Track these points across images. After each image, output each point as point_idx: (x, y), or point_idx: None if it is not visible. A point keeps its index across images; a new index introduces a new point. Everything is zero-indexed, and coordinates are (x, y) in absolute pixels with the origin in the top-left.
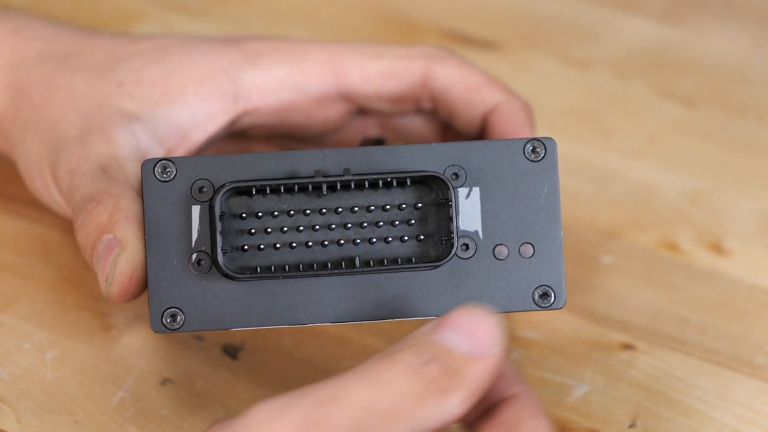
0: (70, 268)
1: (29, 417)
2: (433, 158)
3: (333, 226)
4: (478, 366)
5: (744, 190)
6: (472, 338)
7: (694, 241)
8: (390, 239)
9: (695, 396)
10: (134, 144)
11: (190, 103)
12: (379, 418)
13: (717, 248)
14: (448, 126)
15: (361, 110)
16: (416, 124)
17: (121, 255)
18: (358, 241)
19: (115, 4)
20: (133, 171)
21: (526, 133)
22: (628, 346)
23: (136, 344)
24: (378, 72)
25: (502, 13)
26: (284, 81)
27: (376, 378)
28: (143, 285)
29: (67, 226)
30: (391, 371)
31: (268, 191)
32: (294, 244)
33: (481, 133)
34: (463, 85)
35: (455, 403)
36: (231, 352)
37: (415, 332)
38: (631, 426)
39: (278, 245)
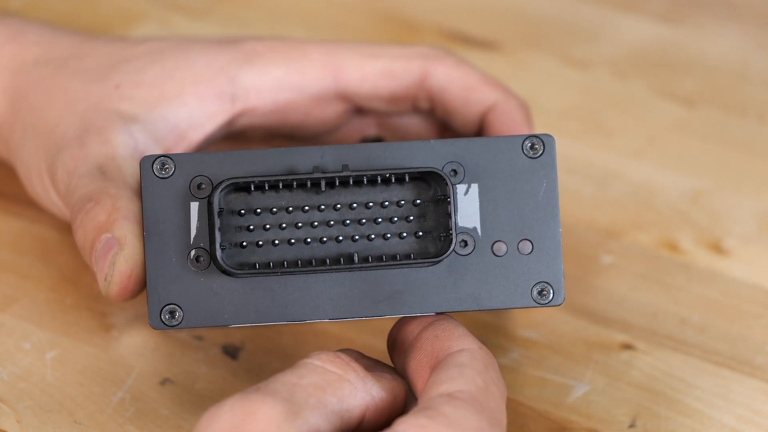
0: (70, 268)
1: (29, 417)
2: (431, 155)
3: (331, 222)
4: (384, 374)
5: (744, 190)
6: None
7: (694, 241)
8: (388, 236)
9: (695, 396)
10: (131, 144)
11: (188, 103)
12: (309, 390)
13: (717, 248)
14: (446, 125)
15: (359, 110)
16: (414, 123)
17: (119, 254)
18: (357, 237)
19: (115, 5)
20: (131, 171)
21: (524, 132)
22: (628, 346)
23: (136, 344)
24: (376, 72)
25: (502, 13)
26: (282, 81)
27: (293, 368)
28: (142, 284)
29: (66, 226)
30: (305, 361)
31: (267, 188)
32: (292, 241)
33: (479, 132)
34: (461, 84)
35: (372, 386)
36: (231, 352)
37: None
38: (631, 426)
39: (277, 242)
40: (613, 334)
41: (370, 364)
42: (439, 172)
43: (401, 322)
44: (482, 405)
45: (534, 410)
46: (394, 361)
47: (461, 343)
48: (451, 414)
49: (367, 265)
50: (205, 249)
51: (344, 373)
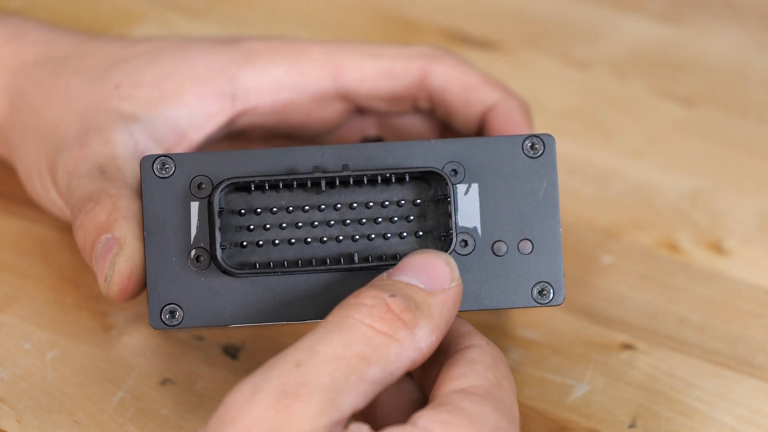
0: (70, 268)
1: (29, 417)
2: (431, 154)
3: (332, 222)
4: (439, 298)
5: (744, 190)
6: (429, 276)
7: (694, 241)
8: (389, 235)
9: (695, 396)
10: (132, 144)
11: (188, 103)
12: (352, 364)
13: (717, 248)
14: (446, 125)
15: (360, 110)
16: (414, 123)
17: (119, 254)
18: (357, 237)
19: (115, 5)
20: (131, 171)
21: (525, 132)
22: (628, 346)
23: (136, 344)
24: (376, 72)
25: (502, 13)
26: (282, 81)
27: (339, 329)
28: (142, 284)
29: (66, 226)
30: (352, 319)
31: (267, 187)
32: (293, 241)
33: (479, 132)
34: (461, 84)
35: (422, 336)
36: (231, 352)
37: (371, 282)
38: (631, 426)
39: (277, 241)
40: (613, 334)
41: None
42: (440, 172)
43: None
44: (497, 400)
45: (534, 410)
46: None
47: (469, 339)
48: (470, 409)
49: (368, 264)
50: (205, 249)
51: (394, 332)
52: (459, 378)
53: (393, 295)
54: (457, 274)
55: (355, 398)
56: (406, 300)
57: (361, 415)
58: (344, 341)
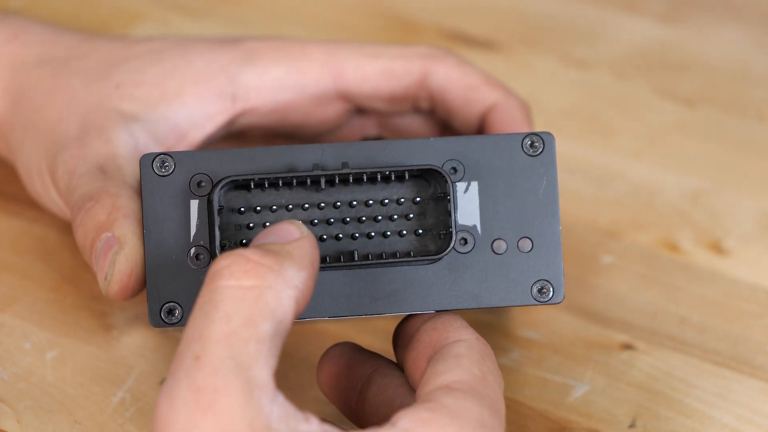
0: (70, 268)
1: (29, 417)
2: (431, 153)
3: (331, 220)
4: (294, 244)
5: (744, 190)
6: (278, 235)
7: (694, 241)
8: (388, 233)
9: (695, 396)
10: (132, 144)
11: (189, 103)
12: (243, 334)
13: (717, 248)
14: (446, 125)
15: (360, 110)
16: (415, 123)
17: (119, 253)
18: (357, 235)
19: (115, 5)
20: (131, 170)
21: (525, 131)
22: (628, 346)
23: (136, 344)
24: (376, 72)
25: (502, 13)
26: (282, 80)
27: (214, 305)
28: (142, 282)
29: (66, 226)
30: (219, 287)
31: (267, 185)
32: None
33: (480, 132)
34: (461, 84)
35: (292, 275)
36: None
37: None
38: (631, 426)
39: None
40: (613, 334)
41: (366, 357)
42: (439, 170)
43: (405, 319)
44: (481, 394)
45: (534, 410)
46: (396, 355)
47: (458, 334)
48: (451, 405)
49: (367, 262)
50: (205, 247)
51: (262, 280)
52: (444, 373)
53: (252, 250)
54: (304, 229)
55: (264, 363)
56: (262, 248)
57: (349, 410)
58: (224, 315)
